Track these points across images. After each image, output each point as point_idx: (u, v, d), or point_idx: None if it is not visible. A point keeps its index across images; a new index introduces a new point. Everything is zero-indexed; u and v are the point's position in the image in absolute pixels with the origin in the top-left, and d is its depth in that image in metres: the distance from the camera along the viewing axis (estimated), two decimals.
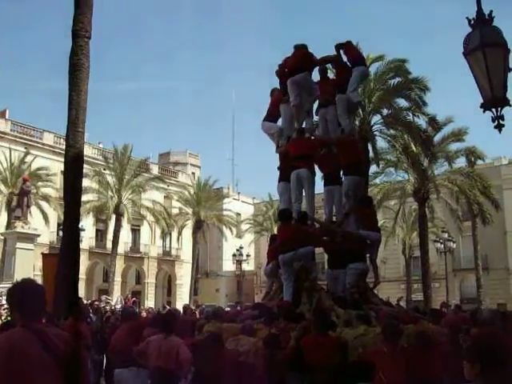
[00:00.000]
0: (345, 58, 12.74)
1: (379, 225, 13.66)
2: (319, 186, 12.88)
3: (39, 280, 15.78)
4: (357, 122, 22.02)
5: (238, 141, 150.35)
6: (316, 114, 13.25)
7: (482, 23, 5.44)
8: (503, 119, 5.38)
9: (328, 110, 12.32)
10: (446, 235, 35.89)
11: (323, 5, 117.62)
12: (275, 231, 19.35)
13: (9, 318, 12.05)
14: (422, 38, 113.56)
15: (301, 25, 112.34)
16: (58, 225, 36.10)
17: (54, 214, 38.31)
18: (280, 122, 12.83)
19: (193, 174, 63.64)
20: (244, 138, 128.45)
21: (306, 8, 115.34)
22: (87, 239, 43.31)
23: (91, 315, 13.80)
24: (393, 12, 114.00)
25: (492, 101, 5.38)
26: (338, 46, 12.67)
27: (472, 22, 5.47)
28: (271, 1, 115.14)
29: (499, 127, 5.36)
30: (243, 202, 63.14)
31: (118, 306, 20.42)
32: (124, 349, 7.86)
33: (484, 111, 5.44)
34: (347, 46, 12.71)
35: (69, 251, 12.53)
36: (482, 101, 5.47)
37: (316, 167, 12.39)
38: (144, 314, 17.49)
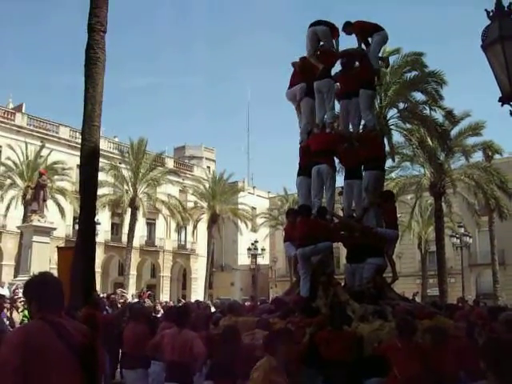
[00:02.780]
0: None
1: None
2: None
3: (55, 273, 15.88)
4: None
5: (253, 135, 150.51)
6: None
7: (501, 15, 5.35)
8: None
9: (350, 102, 12.23)
10: (462, 230, 35.67)
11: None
12: None
13: (25, 311, 12.18)
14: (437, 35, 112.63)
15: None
16: (74, 218, 36.29)
17: (70, 208, 38.53)
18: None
19: (208, 167, 63.68)
20: (259, 132, 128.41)
21: (320, 1, 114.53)
22: (103, 233, 43.55)
23: (107, 308, 13.85)
24: (408, 12, 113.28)
25: (510, 94, 5.30)
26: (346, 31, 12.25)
27: (491, 13, 5.38)
28: None
29: None
30: (258, 196, 63.17)
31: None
32: (131, 351, 7.88)
33: (502, 105, 5.37)
34: (353, 29, 12.17)
35: (85, 245, 12.60)
36: (500, 94, 5.39)
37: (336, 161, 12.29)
38: (159, 307, 17.54)
